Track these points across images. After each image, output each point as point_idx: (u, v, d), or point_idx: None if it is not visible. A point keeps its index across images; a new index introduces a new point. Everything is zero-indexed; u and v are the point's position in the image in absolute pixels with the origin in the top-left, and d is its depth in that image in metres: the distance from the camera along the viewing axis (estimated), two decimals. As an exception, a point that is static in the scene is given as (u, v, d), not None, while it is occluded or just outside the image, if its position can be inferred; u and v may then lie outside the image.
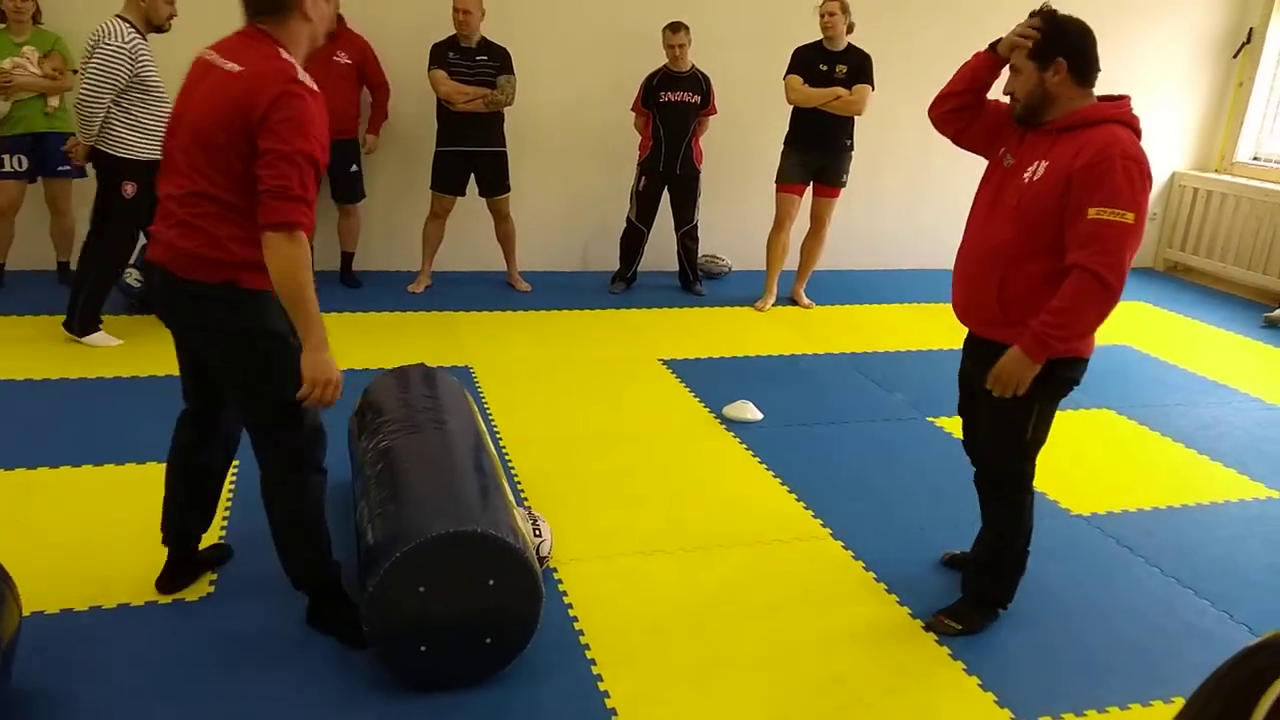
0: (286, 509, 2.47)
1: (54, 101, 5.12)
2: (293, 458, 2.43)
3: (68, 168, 5.17)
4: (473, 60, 5.46)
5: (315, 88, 2.22)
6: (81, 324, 4.58)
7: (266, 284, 2.22)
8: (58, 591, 2.64)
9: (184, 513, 2.66)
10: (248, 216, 2.20)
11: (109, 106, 4.30)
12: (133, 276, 5.06)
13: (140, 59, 4.31)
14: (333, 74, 4.79)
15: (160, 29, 4.41)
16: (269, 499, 2.48)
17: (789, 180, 5.84)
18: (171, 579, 2.68)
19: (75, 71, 5.13)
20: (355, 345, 4.73)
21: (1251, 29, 7.41)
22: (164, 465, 2.67)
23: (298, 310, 2.20)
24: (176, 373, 2.58)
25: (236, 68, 2.22)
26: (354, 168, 5.68)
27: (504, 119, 5.65)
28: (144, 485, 3.26)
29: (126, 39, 4.26)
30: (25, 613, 2.53)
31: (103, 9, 5.52)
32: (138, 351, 4.45)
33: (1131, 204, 2.29)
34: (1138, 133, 2.42)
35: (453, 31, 5.45)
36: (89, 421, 3.74)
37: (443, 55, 5.44)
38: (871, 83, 5.57)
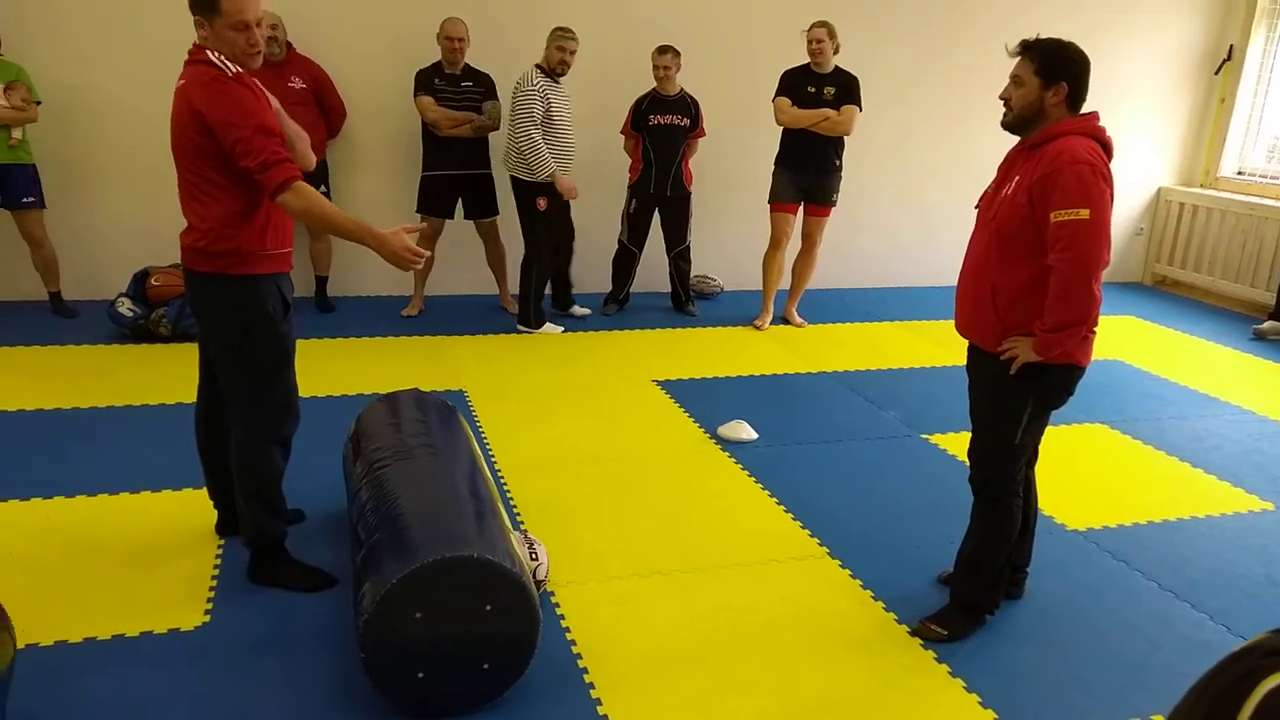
0: (252, 476, 2.81)
1: (17, 134, 4.99)
2: (261, 426, 2.79)
3: (32, 199, 5.12)
4: (458, 86, 5.50)
5: (234, 69, 2.55)
6: (534, 318, 5.61)
7: (247, 268, 2.62)
8: (52, 623, 2.62)
9: (211, 479, 3.08)
10: (219, 205, 2.58)
11: (534, 137, 5.22)
12: (125, 305, 5.05)
13: (546, 97, 5.24)
14: (289, 99, 4.74)
15: (555, 73, 5.33)
16: (236, 468, 2.82)
17: (781, 200, 5.88)
18: (222, 528, 3.14)
19: (38, 103, 5.10)
20: (347, 370, 4.73)
21: (1232, 46, 7.50)
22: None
23: (339, 233, 2.63)
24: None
25: (181, 82, 2.60)
26: (321, 188, 5.67)
27: (489, 143, 5.69)
28: (135, 514, 3.25)
29: (535, 82, 5.23)
30: (20, 645, 2.51)
31: (61, 42, 5.52)
32: (126, 382, 4.43)
33: (1082, 200, 2.39)
34: (1104, 143, 2.52)
35: (436, 59, 5.51)
36: (79, 452, 3.72)
37: (429, 81, 5.47)
38: (859, 103, 5.62)
